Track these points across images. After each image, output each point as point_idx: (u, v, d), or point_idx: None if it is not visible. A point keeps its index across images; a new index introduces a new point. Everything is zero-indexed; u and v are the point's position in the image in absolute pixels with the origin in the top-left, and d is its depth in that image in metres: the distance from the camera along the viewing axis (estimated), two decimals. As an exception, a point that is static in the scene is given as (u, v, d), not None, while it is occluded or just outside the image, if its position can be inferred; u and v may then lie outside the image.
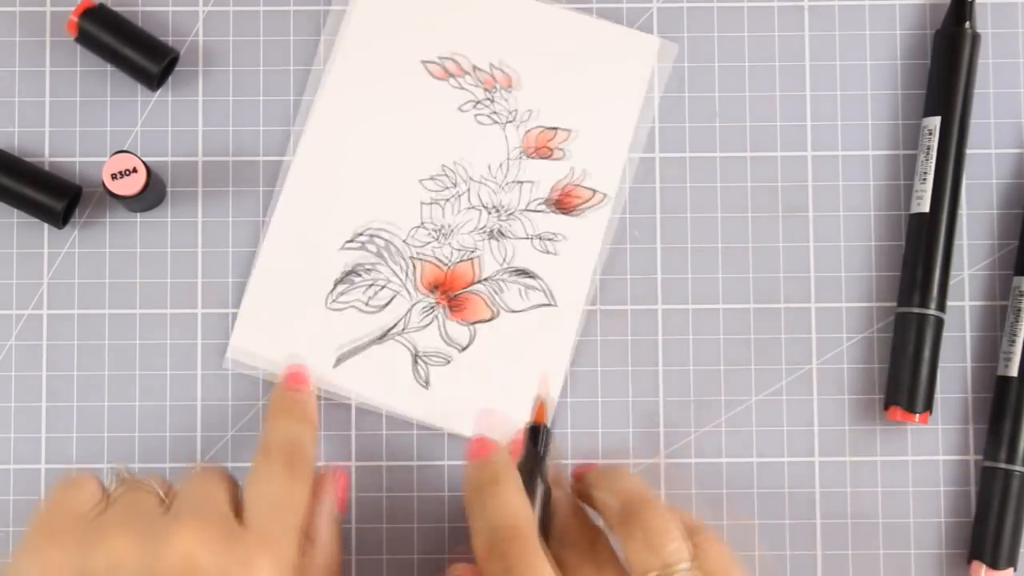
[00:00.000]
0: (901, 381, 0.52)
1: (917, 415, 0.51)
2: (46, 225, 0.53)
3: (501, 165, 0.53)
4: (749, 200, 0.54)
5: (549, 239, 0.53)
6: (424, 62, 0.54)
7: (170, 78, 0.54)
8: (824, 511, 0.53)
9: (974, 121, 0.54)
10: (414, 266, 0.53)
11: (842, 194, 0.54)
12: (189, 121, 0.54)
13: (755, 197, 0.54)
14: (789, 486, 0.53)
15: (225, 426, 0.53)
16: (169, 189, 0.54)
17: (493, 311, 0.53)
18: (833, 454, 0.53)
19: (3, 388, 0.53)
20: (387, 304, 0.53)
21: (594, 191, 0.53)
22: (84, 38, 0.52)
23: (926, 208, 0.52)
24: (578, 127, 0.54)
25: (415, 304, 0.53)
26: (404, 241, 0.53)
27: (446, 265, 0.53)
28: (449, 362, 0.53)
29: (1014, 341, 0.52)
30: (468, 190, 0.53)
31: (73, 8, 0.53)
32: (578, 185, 0.53)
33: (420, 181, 0.53)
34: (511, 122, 0.53)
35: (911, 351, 0.52)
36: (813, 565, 0.52)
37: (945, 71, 0.53)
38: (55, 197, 0.52)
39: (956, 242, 0.53)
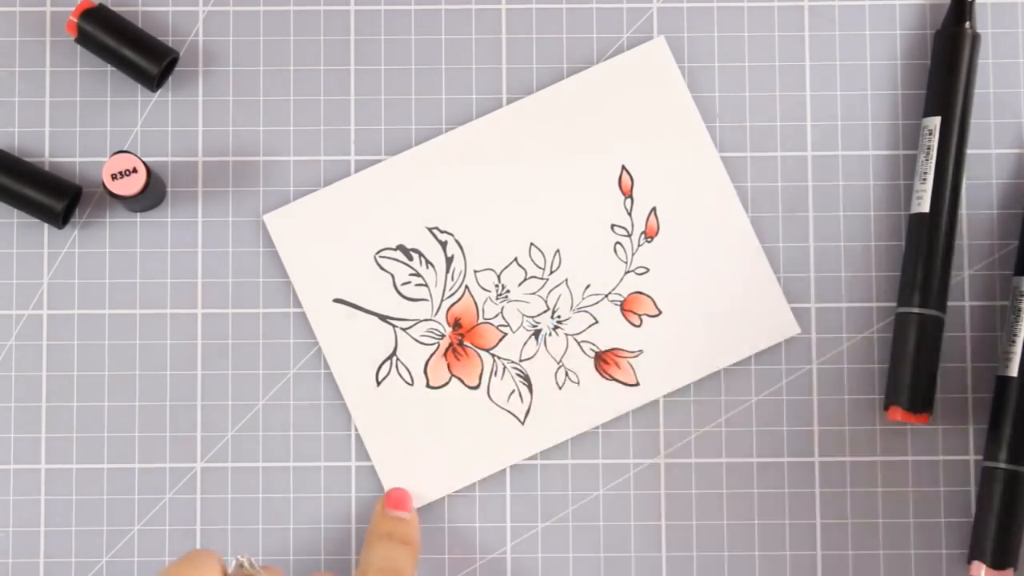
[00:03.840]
0: (901, 381, 0.52)
1: (917, 415, 0.51)
2: (46, 225, 0.53)
3: (597, 295, 0.53)
4: (749, 200, 0.54)
5: (571, 377, 0.52)
6: (624, 167, 0.53)
7: (170, 78, 0.54)
8: (824, 511, 0.53)
9: (974, 121, 0.54)
10: (459, 292, 0.53)
11: (842, 194, 0.54)
12: (189, 121, 0.54)
13: (755, 197, 0.54)
14: (789, 486, 0.53)
15: (225, 426, 0.53)
16: (169, 189, 0.54)
17: (478, 383, 0.52)
18: (833, 454, 0.53)
19: (3, 388, 0.53)
20: (413, 299, 0.53)
21: (637, 382, 0.52)
22: (84, 38, 0.52)
23: (926, 208, 0.52)
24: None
25: (429, 321, 0.53)
26: (474, 271, 0.53)
27: (480, 316, 0.53)
28: (411, 386, 0.52)
29: (1014, 341, 0.52)
30: (552, 287, 0.53)
31: (73, 8, 0.53)
32: (623, 360, 0.53)
33: (531, 243, 0.53)
34: (635, 273, 0.53)
35: (911, 351, 0.52)
36: (813, 565, 0.52)
37: (945, 71, 0.53)
38: (55, 197, 0.52)
39: (956, 242, 0.53)
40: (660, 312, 0.53)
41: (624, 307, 0.53)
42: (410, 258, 0.53)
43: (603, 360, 0.52)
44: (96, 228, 0.54)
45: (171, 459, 0.53)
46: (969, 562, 0.52)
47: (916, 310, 0.52)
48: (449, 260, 0.53)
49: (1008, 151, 0.54)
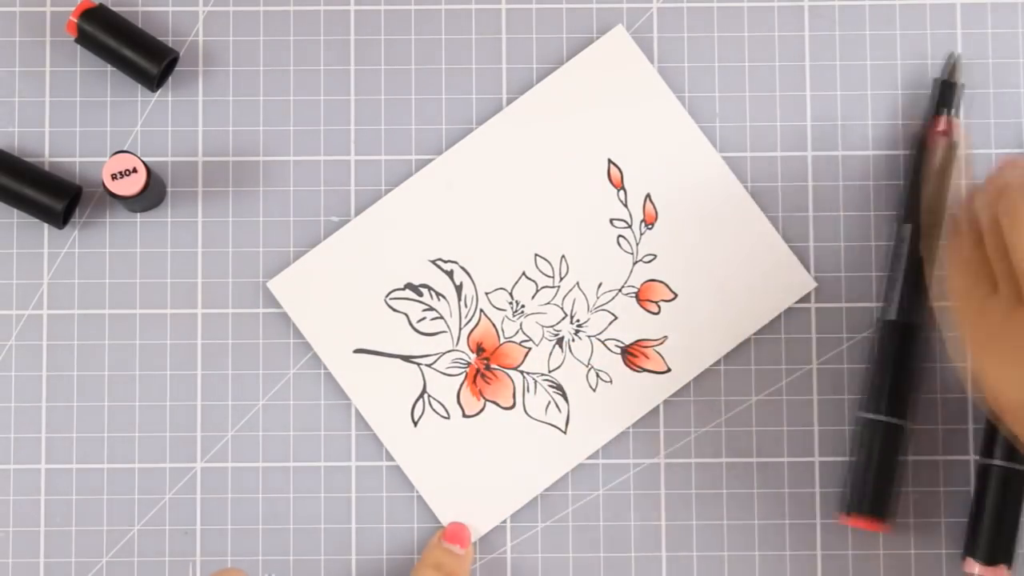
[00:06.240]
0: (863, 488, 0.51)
1: (879, 522, 0.51)
2: (46, 225, 0.53)
3: (611, 291, 0.53)
4: (749, 200, 0.54)
5: (602, 377, 0.52)
6: (610, 161, 0.53)
7: (170, 78, 0.54)
8: (824, 511, 0.53)
9: (974, 121, 0.54)
10: (475, 317, 0.53)
11: (842, 194, 0.54)
12: (189, 121, 0.54)
13: (755, 197, 0.54)
14: (789, 486, 0.53)
15: (225, 426, 0.53)
16: (169, 189, 0.54)
17: (513, 403, 0.52)
18: (832, 454, 0.53)
19: (3, 388, 0.53)
20: (432, 334, 0.53)
21: (668, 368, 0.53)
22: (84, 38, 0.52)
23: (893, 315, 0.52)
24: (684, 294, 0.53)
25: (452, 352, 0.53)
26: (485, 293, 0.53)
27: (500, 337, 0.53)
28: (447, 419, 0.52)
29: (1014, 341, 0.52)
30: (565, 292, 0.53)
31: (73, 8, 0.53)
32: (649, 350, 0.53)
33: (536, 254, 0.53)
34: (643, 262, 0.53)
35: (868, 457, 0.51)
36: (813, 565, 0.52)
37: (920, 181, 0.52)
38: (55, 197, 0.52)
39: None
40: (676, 295, 0.53)
41: (640, 297, 0.53)
42: (420, 294, 0.53)
43: (630, 354, 0.52)
44: (96, 228, 0.54)
45: (171, 459, 0.53)
46: (963, 558, 0.52)
47: (882, 418, 0.51)
48: (459, 288, 0.53)
49: (1008, 151, 0.54)
